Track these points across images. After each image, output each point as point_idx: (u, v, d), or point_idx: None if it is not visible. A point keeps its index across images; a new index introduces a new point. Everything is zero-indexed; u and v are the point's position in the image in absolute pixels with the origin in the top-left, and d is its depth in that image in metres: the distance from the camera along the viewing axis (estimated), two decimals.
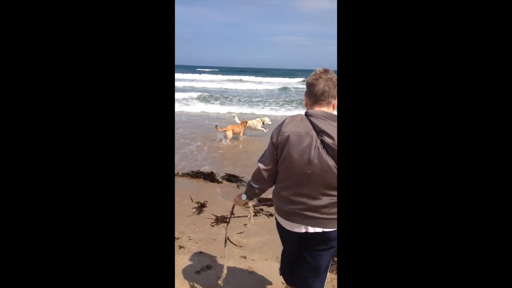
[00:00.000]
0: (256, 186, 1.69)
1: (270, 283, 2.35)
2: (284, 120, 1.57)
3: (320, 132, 1.46)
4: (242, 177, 4.73)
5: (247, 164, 5.57)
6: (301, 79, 36.42)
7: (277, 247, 2.86)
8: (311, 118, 1.49)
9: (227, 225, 2.41)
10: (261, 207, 3.75)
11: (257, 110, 12.82)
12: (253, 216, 3.13)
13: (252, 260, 2.65)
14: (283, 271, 1.92)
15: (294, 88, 25.10)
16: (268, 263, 2.61)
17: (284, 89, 24.38)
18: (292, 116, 1.57)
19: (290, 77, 39.14)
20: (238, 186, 4.50)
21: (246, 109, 12.96)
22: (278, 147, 1.55)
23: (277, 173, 1.61)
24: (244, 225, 3.28)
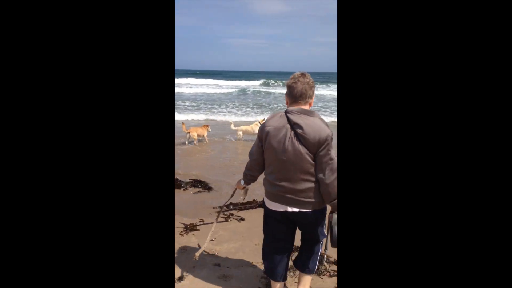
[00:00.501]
0: (249, 173, 2.05)
1: None
2: (267, 118, 1.89)
3: (294, 124, 1.73)
4: (210, 184, 4.60)
5: (214, 166, 5.45)
6: (260, 81, 35.99)
7: (251, 252, 2.80)
8: (288, 114, 1.77)
9: (224, 204, 2.88)
10: (232, 212, 3.66)
11: (215, 116, 12.17)
12: (223, 221, 3.09)
13: (227, 267, 2.55)
14: (266, 268, 2.11)
15: (254, 91, 24.52)
16: (243, 269, 2.53)
17: (243, 91, 24.03)
18: (273, 113, 1.88)
19: (248, 80, 38.76)
20: (199, 192, 4.37)
21: (199, 116, 11.97)
22: (262, 140, 1.85)
23: (263, 162, 1.91)
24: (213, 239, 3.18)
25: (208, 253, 2.77)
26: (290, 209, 1.82)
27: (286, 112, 1.78)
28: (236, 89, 25.04)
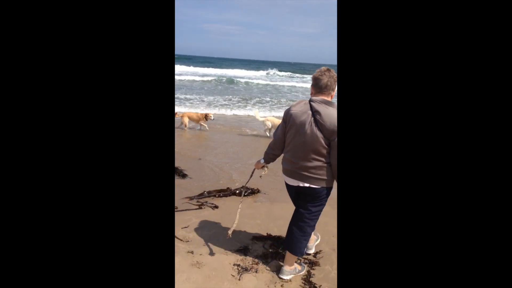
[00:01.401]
0: (271, 152, 2.36)
1: (219, 277, 2.31)
2: (292, 104, 2.20)
3: (315, 112, 2.02)
4: (185, 172, 4.55)
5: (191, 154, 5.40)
6: (240, 70, 34.06)
7: (224, 240, 2.82)
8: (312, 103, 2.07)
9: (246, 183, 2.93)
10: (206, 199, 3.66)
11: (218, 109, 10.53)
12: (196, 209, 3.07)
13: (200, 254, 2.57)
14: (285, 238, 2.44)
15: (240, 81, 21.66)
16: (216, 257, 2.56)
17: (230, 81, 21.13)
18: (299, 100, 2.20)
19: (232, 67, 37.16)
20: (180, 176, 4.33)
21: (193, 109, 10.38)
22: (286, 122, 2.18)
23: (284, 143, 2.23)
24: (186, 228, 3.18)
25: (181, 240, 2.77)
26: (301, 184, 2.14)
27: (310, 100, 2.09)
28: (215, 78, 22.08)
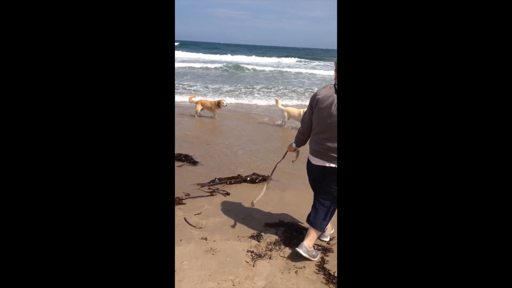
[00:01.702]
0: (300, 136, 2.57)
1: (234, 263, 2.33)
2: (318, 89, 2.35)
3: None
4: (196, 159, 4.56)
5: (207, 144, 5.40)
6: (252, 56, 31.75)
7: (237, 226, 2.85)
8: (336, 86, 2.20)
9: (278, 162, 3.06)
10: (217, 186, 3.68)
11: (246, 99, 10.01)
12: (208, 195, 3.11)
13: (214, 241, 2.59)
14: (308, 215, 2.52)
15: (248, 68, 20.29)
16: (230, 243, 2.58)
17: (236, 67, 20.28)
18: (324, 85, 2.33)
19: (238, 53, 34.73)
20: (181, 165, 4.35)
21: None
22: (313, 106, 2.32)
23: (311, 127, 2.38)
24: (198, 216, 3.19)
25: (194, 226, 2.79)
26: (328, 164, 2.28)
27: (334, 84, 2.23)
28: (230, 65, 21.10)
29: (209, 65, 20.15)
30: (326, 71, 21.19)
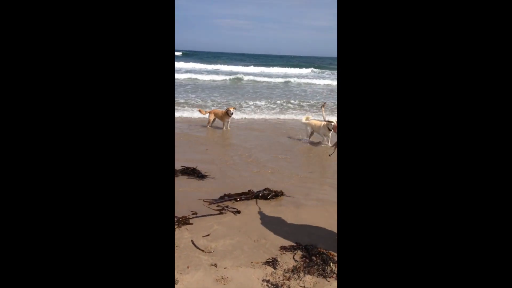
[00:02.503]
0: None
1: None
2: None
3: None
4: (205, 173, 4.32)
5: (211, 155, 5.17)
6: (251, 67, 29.54)
7: (250, 249, 2.58)
8: None
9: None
10: (226, 203, 3.42)
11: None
12: (217, 214, 3.26)
13: (224, 268, 2.32)
14: None
15: (248, 80, 18.41)
16: (243, 271, 2.30)
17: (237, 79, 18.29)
18: None
19: (241, 65, 32.43)
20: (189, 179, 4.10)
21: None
22: None
23: None
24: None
25: (203, 250, 2.53)
26: None
27: None
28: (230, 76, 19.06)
29: (210, 77, 18.38)
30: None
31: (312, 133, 6.35)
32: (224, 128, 7.03)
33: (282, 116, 8.97)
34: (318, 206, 3.49)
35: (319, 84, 18.45)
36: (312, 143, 6.26)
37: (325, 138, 6.11)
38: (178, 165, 4.34)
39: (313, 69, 30.72)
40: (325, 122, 5.96)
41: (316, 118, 6.73)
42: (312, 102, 11.70)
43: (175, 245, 2.58)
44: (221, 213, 3.19)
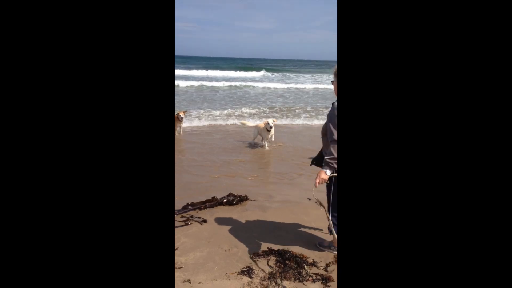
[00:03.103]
0: (336, 161, 2.21)
1: None
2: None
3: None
4: None
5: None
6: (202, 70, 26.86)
7: (222, 260, 2.49)
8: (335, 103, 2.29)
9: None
10: (190, 213, 3.27)
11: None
12: (182, 225, 3.16)
13: (199, 283, 2.21)
14: None
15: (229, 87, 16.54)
16: (218, 284, 2.21)
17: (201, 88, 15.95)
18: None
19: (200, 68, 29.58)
20: None
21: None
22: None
23: None
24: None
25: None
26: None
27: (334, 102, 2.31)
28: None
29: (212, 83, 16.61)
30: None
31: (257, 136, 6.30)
32: (176, 134, 6.75)
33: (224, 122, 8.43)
34: (283, 208, 3.51)
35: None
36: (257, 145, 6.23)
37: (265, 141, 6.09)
38: None
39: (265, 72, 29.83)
40: (264, 123, 6.01)
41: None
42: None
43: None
44: (187, 224, 3.05)
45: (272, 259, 2.53)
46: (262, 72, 29.58)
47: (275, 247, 2.69)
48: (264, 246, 2.71)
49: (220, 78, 20.76)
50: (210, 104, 11.31)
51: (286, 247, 2.68)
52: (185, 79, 18.65)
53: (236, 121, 8.36)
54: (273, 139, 6.13)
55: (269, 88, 17.46)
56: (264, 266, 2.44)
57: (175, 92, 12.82)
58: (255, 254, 2.59)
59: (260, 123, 6.32)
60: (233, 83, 17.90)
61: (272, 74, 28.90)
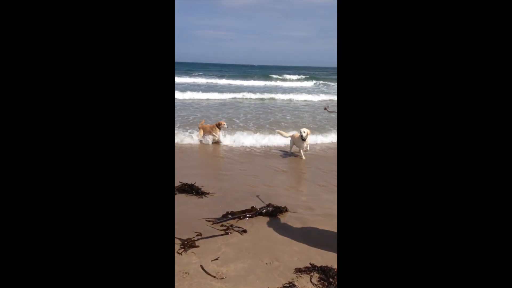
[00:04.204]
0: None
1: None
2: None
3: None
4: (201, 187, 4.15)
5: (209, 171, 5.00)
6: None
7: (263, 274, 2.44)
8: None
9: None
10: (230, 222, 3.27)
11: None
12: (222, 234, 3.02)
13: None
14: None
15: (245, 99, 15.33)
16: None
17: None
18: None
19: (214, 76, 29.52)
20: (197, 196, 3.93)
21: None
22: None
23: None
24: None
25: (214, 277, 2.37)
26: None
27: None
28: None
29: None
30: None
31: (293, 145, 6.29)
32: (211, 142, 6.85)
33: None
34: (324, 222, 3.40)
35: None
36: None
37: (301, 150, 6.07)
38: (176, 181, 4.16)
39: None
40: (297, 133, 6.01)
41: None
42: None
43: (185, 272, 2.41)
44: (227, 233, 3.04)
45: (315, 276, 2.44)
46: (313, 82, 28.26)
47: (318, 263, 2.60)
48: (306, 262, 2.62)
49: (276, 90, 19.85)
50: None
51: (329, 264, 2.57)
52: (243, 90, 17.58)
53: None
54: (308, 148, 6.06)
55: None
56: (307, 283, 2.35)
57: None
58: (297, 269, 2.51)
59: (296, 133, 6.26)
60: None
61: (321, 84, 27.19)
